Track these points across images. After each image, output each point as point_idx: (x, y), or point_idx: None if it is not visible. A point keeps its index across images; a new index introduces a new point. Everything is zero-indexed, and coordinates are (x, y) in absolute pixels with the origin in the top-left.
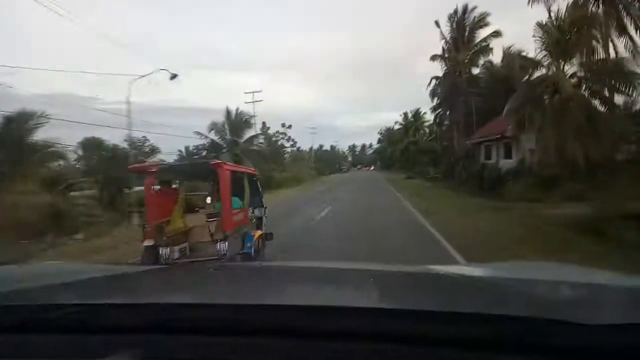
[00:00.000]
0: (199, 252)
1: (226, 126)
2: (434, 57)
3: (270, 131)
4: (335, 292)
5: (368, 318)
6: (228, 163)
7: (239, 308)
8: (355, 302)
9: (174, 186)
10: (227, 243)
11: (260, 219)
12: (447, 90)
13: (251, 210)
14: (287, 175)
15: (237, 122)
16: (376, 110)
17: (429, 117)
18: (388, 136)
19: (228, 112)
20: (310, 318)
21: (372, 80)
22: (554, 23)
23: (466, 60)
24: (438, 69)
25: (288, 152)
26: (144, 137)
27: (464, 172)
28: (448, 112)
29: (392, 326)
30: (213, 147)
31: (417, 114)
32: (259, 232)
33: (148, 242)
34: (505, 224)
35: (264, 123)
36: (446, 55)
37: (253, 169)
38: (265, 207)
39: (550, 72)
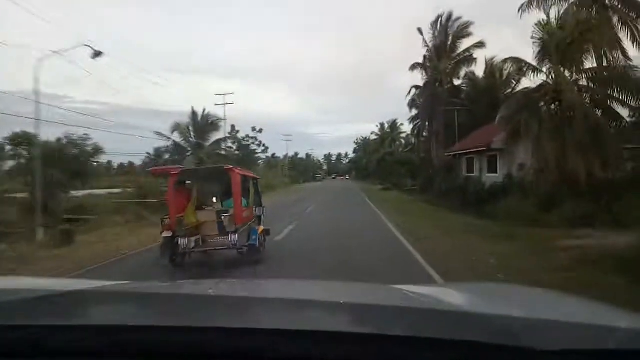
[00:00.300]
0: (209, 244)
1: (190, 128)
2: (414, 66)
3: (241, 135)
4: (296, 315)
5: (325, 343)
6: (238, 168)
7: (190, 331)
8: (313, 325)
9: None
10: (237, 235)
11: (259, 217)
12: (427, 100)
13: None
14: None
15: (203, 124)
16: (353, 121)
17: (406, 128)
18: (364, 146)
19: (194, 113)
20: (268, 342)
21: (350, 92)
22: (557, 23)
23: (448, 70)
24: (418, 79)
25: (262, 159)
26: (85, 134)
27: (444, 185)
28: (427, 123)
29: (342, 351)
30: (177, 149)
31: (393, 125)
32: (261, 228)
33: (167, 234)
34: (521, 261)
35: (233, 126)
36: (427, 63)
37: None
38: (264, 207)
39: (549, 78)
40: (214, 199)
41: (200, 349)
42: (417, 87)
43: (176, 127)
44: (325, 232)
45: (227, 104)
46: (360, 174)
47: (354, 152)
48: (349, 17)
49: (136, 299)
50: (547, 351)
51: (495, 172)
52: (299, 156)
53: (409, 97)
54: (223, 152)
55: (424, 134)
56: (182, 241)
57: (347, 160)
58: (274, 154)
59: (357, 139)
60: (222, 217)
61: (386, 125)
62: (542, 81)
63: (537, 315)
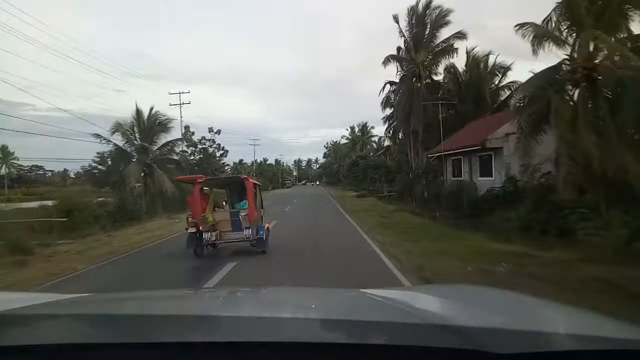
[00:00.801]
0: (225, 238)
1: (135, 129)
2: (388, 59)
3: (197, 137)
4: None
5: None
6: (252, 178)
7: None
8: (275, 335)
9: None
10: (250, 230)
11: (261, 217)
12: (404, 96)
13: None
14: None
15: (150, 125)
16: (323, 127)
17: (378, 131)
18: (334, 150)
19: (138, 112)
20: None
21: (319, 97)
22: None
23: (426, 62)
24: (392, 74)
25: (228, 165)
26: None
27: (426, 190)
28: (404, 122)
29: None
30: (119, 154)
31: (364, 128)
32: (267, 225)
33: (192, 230)
34: None
35: (187, 127)
36: (404, 55)
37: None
38: (264, 209)
39: (575, 52)
40: (224, 202)
41: None
42: (391, 82)
43: (117, 128)
44: (286, 273)
45: (182, 104)
46: (331, 180)
47: (324, 157)
48: (315, 22)
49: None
50: (504, 354)
51: (490, 174)
52: (268, 162)
53: (383, 94)
54: (175, 157)
55: (400, 134)
56: (205, 235)
57: (318, 166)
58: (241, 160)
59: (327, 143)
60: (239, 216)
61: (357, 129)
62: (565, 56)
63: (500, 319)
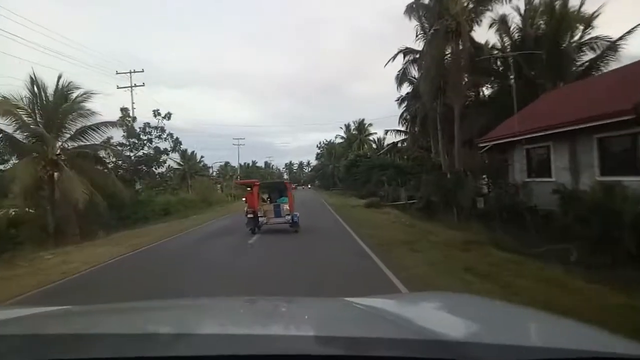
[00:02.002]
0: (271, 221)
1: (36, 110)
2: (411, 9)
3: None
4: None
5: None
6: (290, 182)
7: None
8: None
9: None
10: (290, 216)
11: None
12: (432, 64)
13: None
14: (190, 197)
15: (56, 102)
16: (315, 131)
17: (375, 129)
18: (329, 150)
19: (33, 82)
20: None
21: (310, 101)
22: None
23: (465, 16)
24: (407, 39)
25: (211, 168)
26: None
27: (480, 200)
28: (431, 101)
29: None
30: (6, 142)
31: (361, 126)
32: (297, 213)
33: (250, 215)
34: None
35: (124, 110)
36: (430, 3)
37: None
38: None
39: None
40: (267, 198)
41: None
42: (408, 51)
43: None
44: None
45: (135, 86)
46: (325, 183)
47: (316, 158)
48: (305, 25)
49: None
50: None
51: (636, 171)
52: (258, 164)
53: (394, 63)
54: (101, 154)
55: (416, 131)
56: (261, 219)
57: (310, 169)
58: (227, 163)
59: (320, 143)
60: (280, 207)
61: (353, 126)
62: None
63: (484, 329)
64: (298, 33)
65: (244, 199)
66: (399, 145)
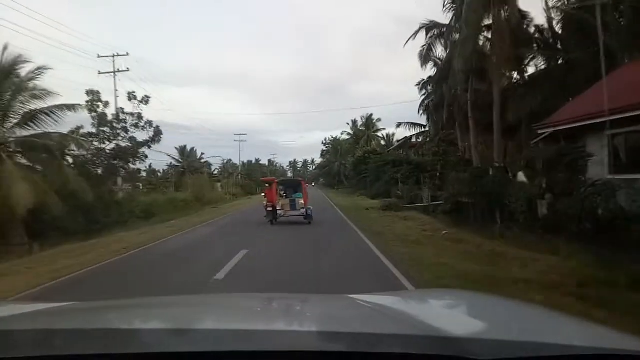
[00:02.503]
0: (288, 214)
1: None
2: None
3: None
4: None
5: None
6: (304, 179)
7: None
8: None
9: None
10: (304, 209)
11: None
12: (470, 38)
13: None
14: (181, 196)
15: None
16: (319, 129)
17: (384, 124)
18: (334, 147)
19: None
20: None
21: (315, 100)
22: None
23: None
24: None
25: (213, 165)
26: None
27: (544, 205)
28: (464, 82)
29: None
30: None
31: (369, 121)
32: (311, 207)
33: (269, 207)
34: None
35: (90, 93)
36: None
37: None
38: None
39: None
40: (283, 193)
41: None
42: (433, 25)
43: None
44: None
45: (118, 71)
46: (330, 181)
47: (321, 155)
48: (310, 25)
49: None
50: None
51: None
52: (261, 162)
53: (419, 41)
54: (48, 142)
55: (442, 120)
56: (279, 211)
57: (315, 167)
58: (229, 160)
59: (325, 139)
60: (296, 201)
61: (360, 122)
62: None
63: (486, 325)
64: (302, 32)
65: (263, 194)
66: (414, 140)
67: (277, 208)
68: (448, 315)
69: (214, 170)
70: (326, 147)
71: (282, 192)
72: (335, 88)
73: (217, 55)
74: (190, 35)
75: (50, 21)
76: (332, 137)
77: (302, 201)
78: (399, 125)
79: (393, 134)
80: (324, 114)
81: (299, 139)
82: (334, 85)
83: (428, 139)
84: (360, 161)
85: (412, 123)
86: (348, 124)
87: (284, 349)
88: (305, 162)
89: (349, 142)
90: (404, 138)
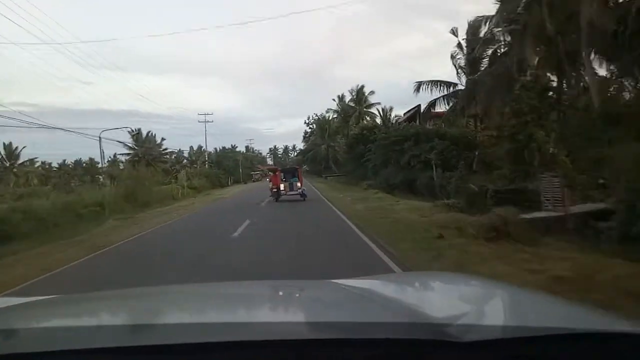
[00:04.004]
0: (288, 194)
1: None
2: None
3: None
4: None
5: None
6: (300, 167)
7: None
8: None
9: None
10: (300, 190)
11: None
12: None
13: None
14: (92, 197)
15: None
16: (300, 115)
17: (379, 97)
18: (321, 126)
19: None
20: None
21: (295, 85)
22: None
23: None
24: None
25: (174, 152)
26: None
27: None
28: None
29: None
30: None
31: (360, 94)
32: (305, 188)
33: (274, 189)
34: None
35: None
36: None
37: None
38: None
39: None
40: (283, 178)
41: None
42: None
43: None
44: None
45: None
46: (316, 168)
47: (304, 138)
48: (283, 10)
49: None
50: (468, 342)
51: None
52: (238, 149)
53: None
54: None
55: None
56: (280, 191)
57: (296, 153)
58: (200, 147)
59: (308, 118)
60: (294, 184)
61: (348, 97)
62: None
63: (468, 307)
64: (279, 18)
65: (268, 179)
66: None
67: (279, 190)
68: (434, 298)
69: (184, 160)
70: (310, 128)
71: (282, 178)
72: (316, 73)
73: (189, 42)
74: (161, 20)
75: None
76: (317, 115)
77: (298, 184)
78: (419, 85)
79: (391, 108)
80: (306, 99)
81: (280, 125)
82: (314, 70)
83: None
84: (357, 139)
85: (439, 81)
86: (334, 99)
87: (267, 338)
88: (286, 149)
89: (337, 120)
90: (413, 108)
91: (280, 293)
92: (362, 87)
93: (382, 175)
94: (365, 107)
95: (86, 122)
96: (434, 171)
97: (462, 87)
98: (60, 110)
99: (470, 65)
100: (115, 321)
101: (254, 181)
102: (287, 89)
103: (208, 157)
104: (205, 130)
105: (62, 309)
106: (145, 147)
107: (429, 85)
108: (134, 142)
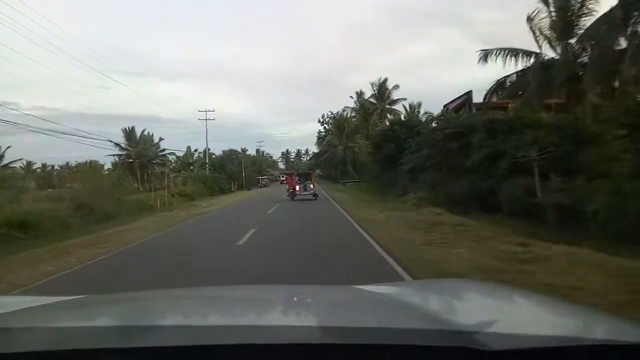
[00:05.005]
0: (302, 194)
1: None
2: None
3: None
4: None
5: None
6: (314, 171)
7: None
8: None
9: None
10: (313, 191)
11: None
12: None
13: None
14: (34, 209)
15: None
16: (313, 121)
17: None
18: (337, 125)
19: None
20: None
21: (307, 91)
22: None
23: None
24: None
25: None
26: None
27: None
28: None
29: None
30: None
31: (382, 89)
32: (317, 188)
33: (290, 190)
34: None
35: None
36: None
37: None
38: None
39: None
40: (298, 181)
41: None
42: None
43: None
44: None
45: None
46: (330, 173)
47: (317, 139)
48: (296, 18)
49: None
50: (499, 351)
51: None
52: (248, 152)
53: None
54: None
55: None
56: (295, 191)
57: (309, 157)
58: (208, 149)
59: (323, 116)
60: (307, 185)
61: (368, 94)
62: None
63: (496, 315)
64: (293, 24)
65: (285, 182)
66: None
67: (294, 190)
68: (459, 306)
69: (193, 162)
70: (325, 127)
71: (297, 181)
72: (329, 80)
73: (203, 49)
74: (175, 28)
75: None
76: (332, 113)
77: (311, 186)
78: (484, 56)
79: (419, 104)
80: (320, 105)
81: (292, 130)
82: (326, 77)
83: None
84: (386, 137)
85: (515, 50)
86: (351, 97)
87: (293, 342)
88: (298, 152)
89: (356, 118)
90: (462, 95)
91: (299, 297)
92: (385, 80)
93: (429, 182)
94: (389, 104)
95: (103, 126)
96: (536, 178)
97: (554, 57)
98: (75, 115)
99: (565, 27)
100: (114, 322)
101: (260, 187)
102: (302, 95)
103: (209, 160)
104: (207, 129)
105: (75, 310)
106: (139, 148)
107: (499, 55)
108: (126, 142)
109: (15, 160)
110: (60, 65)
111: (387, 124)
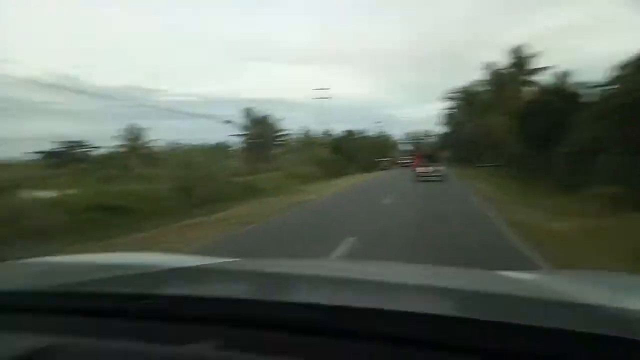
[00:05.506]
0: (428, 175)
1: None
2: None
3: None
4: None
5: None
6: (441, 152)
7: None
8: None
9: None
10: (440, 172)
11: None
12: None
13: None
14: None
15: None
16: (438, 100)
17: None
18: (468, 100)
19: None
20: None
21: (433, 70)
22: None
23: None
24: None
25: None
26: None
27: None
28: None
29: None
30: None
31: (518, 56)
32: (445, 171)
33: (414, 171)
34: None
35: None
36: None
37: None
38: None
39: None
40: (425, 162)
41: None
42: None
43: None
44: None
45: None
46: (459, 154)
47: (444, 118)
48: None
49: (239, 275)
50: None
51: None
52: (368, 134)
53: None
54: None
55: None
56: (421, 173)
57: (433, 137)
58: (327, 131)
59: (449, 92)
60: (436, 167)
61: (503, 62)
62: None
63: None
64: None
65: (406, 165)
66: None
67: (420, 171)
68: (614, 295)
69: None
70: (453, 103)
71: (423, 161)
72: (454, 56)
73: (326, 31)
74: (295, 12)
75: None
76: (461, 88)
77: (439, 167)
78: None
79: (566, 74)
80: (445, 83)
81: (417, 111)
82: (452, 53)
83: None
84: (534, 109)
85: None
86: (484, 68)
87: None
88: (421, 133)
89: (490, 93)
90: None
91: (422, 278)
92: (524, 47)
93: (613, 172)
94: (529, 72)
95: (233, 110)
96: None
97: None
98: (208, 100)
99: None
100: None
101: (381, 169)
102: (426, 74)
103: (327, 141)
104: (321, 112)
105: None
106: (258, 130)
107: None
108: (246, 122)
109: (153, 140)
110: (199, 55)
111: (534, 93)
